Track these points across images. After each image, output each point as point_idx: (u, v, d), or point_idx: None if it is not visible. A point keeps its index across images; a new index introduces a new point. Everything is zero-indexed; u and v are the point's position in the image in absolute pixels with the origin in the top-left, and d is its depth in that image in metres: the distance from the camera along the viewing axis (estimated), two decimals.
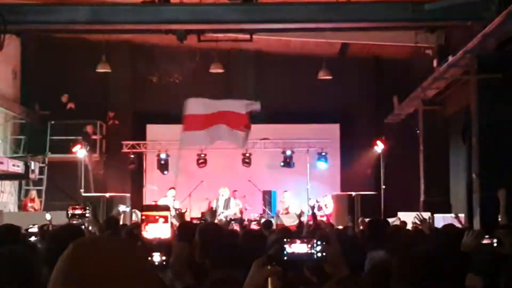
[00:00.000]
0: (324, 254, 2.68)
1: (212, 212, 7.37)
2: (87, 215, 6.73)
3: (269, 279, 2.34)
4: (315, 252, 2.65)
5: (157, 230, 3.35)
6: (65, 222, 8.60)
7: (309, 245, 2.65)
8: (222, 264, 4.04)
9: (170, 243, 3.41)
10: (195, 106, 14.15)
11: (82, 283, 1.45)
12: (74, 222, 7.39)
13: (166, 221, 3.39)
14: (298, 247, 2.63)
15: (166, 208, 3.57)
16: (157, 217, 3.38)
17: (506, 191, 7.13)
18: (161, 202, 17.41)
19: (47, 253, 3.92)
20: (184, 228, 5.53)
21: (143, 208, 3.62)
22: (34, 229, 8.57)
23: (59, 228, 4.78)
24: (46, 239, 3.95)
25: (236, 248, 4.39)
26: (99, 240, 1.57)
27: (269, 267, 2.36)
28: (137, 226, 6.75)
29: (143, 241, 3.32)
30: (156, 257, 3.16)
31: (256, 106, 13.83)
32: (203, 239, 4.64)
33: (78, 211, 6.98)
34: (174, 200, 17.32)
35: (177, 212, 8.03)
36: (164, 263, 3.19)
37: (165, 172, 20.09)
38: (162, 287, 3.01)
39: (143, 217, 3.42)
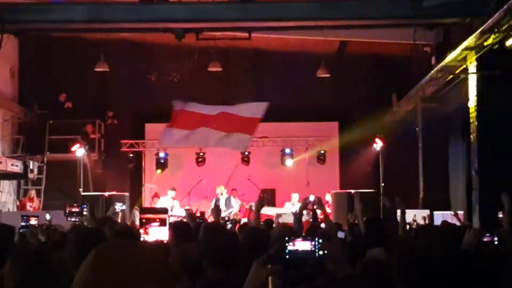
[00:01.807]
0: (325, 252, 2.67)
1: (217, 210, 7.36)
2: (84, 213, 6.74)
3: (270, 278, 2.33)
4: (316, 250, 2.64)
5: (156, 232, 3.35)
6: (63, 221, 8.63)
7: (311, 244, 2.64)
8: (223, 263, 4.03)
9: (167, 245, 3.39)
10: (194, 106, 13.83)
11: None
12: (72, 220, 7.39)
13: (164, 224, 3.39)
14: (299, 246, 2.62)
15: (164, 211, 3.56)
16: (157, 220, 3.37)
17: (509, 195, 7.09)
18: (160, 201, 17.40)
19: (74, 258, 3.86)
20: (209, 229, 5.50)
21: (142, 210, 3.62)
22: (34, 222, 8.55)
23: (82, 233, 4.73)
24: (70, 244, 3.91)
25: (238, 247, 4.37)
26: (121, 246, 1.60)
27: (269, 266, 2.35)
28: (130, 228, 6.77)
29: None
30: None
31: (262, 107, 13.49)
32: (207, 237, 4.63)
33: (75, 209, 6.99)
34: (173, 200, 17.27)
35: (188, 212, 8.03)
36: None
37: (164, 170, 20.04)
38: None
39: (144, 220, 3.42)
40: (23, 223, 8.36)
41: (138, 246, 1.62)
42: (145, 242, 3.35)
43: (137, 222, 10.31)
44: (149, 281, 1.49)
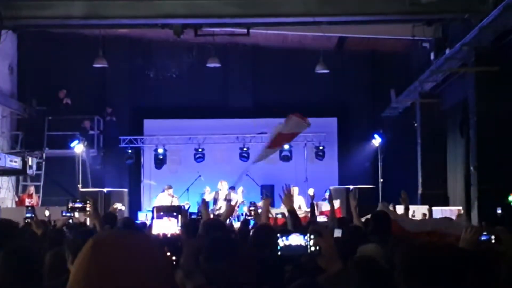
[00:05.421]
0: (317, 248, 2.66)
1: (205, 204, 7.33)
2: (87, 209, 6.72)
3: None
4: (308, 246, 2.64)
5: (164, 227, 3.38)
6: (63, 217, 8.64)
7: (303, 239, 2.64)
8: (221, 259, 4.02)
9: (179, 242, 3.39)
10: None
11: (101, 278, 1.47)
12: (73, 214, 7.38)
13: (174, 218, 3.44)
14: (292, 241, 2.62)
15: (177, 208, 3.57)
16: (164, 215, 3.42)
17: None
18: (158, 198, 17.39)
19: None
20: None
21: (154, 209, 3.68)
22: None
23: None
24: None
25: (233, 242, 4.37)
26: (118, 236, 1.59)
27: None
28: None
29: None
30: None
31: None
32: (207, 233, 4.63)
33: (78, 205, 6.98)
34: (172, 197, 17.26)
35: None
36: (174, 263, 3.17)
37: (163, 166, 20.02)
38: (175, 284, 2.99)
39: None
40: None
41: (135, 236, 1.61)
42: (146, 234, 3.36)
43: None
44: (145, 270, 1.48)
